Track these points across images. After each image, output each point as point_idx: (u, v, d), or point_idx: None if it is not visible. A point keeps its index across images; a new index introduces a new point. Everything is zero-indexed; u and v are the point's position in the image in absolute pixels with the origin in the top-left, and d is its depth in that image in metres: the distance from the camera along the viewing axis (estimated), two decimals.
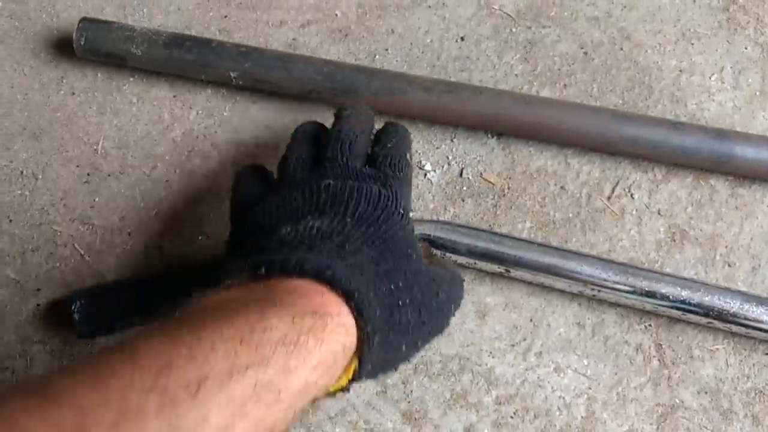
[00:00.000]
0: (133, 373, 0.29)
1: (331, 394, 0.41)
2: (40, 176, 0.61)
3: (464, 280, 0.51)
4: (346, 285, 0.38)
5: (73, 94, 0.63)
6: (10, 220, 0.60)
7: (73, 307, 0.54)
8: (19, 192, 0.61)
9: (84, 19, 0.61)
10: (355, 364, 0.40)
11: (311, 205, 0.46)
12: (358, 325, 0.39)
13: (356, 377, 0.41)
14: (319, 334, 0.36)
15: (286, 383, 0.33)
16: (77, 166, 0.61)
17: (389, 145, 0.52)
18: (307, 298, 0.37)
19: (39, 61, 0.64)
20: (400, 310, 0.43)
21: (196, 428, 0.29)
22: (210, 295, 0.38)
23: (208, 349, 0.32)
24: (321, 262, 0.39)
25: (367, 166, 0.50)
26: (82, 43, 0.61)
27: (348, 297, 0.38)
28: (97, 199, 0.61)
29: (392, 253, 0.44)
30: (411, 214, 0.48)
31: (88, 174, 0.61)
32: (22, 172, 0.61)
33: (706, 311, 0.54)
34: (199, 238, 0.60)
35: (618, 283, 0.55)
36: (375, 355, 0.41)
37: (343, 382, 0.40)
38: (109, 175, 0.61)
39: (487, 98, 0.59)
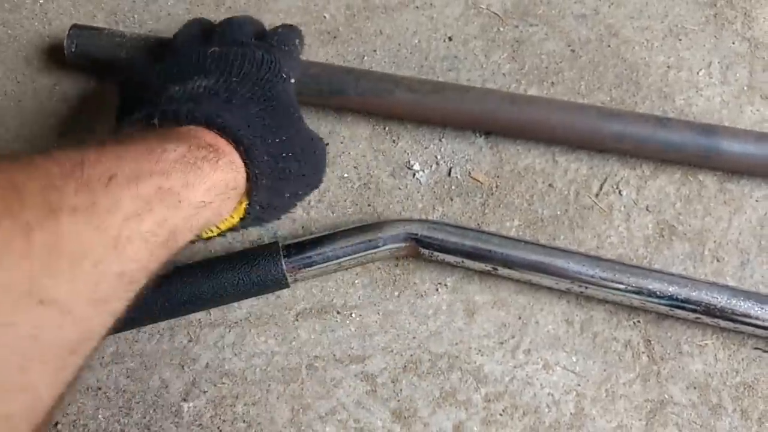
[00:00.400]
0: (51, 164, 0.33)
1: (223, 233, 0.46)
2: None
3: (327, 144, 0.58)
4: (236, 131, 0.43)
5: (66, 100, 0.64)
6: None
7: None
8: None
9: (74, 26, 0.62)
10: (245, 204, 0.45)
11: (197, 68, 0.50)
12: (247, 167, 0.43)
13: (245, 217, 0.46)
14: (213, 164, 0.40)
15: (185, 194, 0.38)
16: None
17: (279, 30, 0.57)
18: (201, 136, 0.42)
19: (32, 69, 0.65)
20: (285, 160, 0.47)
21: (110, 208, 0.33)
22: (110, 134, 0.43)
23: (114, 157, 0.35)
24: (211, 111, 0.43)
25: (253, 39, 0.55)
26: (72, 50, 0.61)
27: (237, 142, 0.43)
28: None
29: (276, 110, 0.48)
30: (293, 81, 0.53)
31: None
32: None
33: (694, 307, 0.54)
34: None
35: (605, 279, 0.55)
36: (262, 198, 0.45)
37: (234, 220, 0.45)
38: None
39: (474, 97, 0.59)
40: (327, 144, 0.56)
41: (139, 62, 0.57)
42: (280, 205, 0.50)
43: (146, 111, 0.44)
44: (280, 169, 0.47)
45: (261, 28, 0.57)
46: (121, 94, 0.53)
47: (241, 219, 0.46)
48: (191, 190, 0.38)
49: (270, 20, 0.66)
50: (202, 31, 0.56)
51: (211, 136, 0.42)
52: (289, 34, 0.57)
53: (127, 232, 0.34)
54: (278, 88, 0.50)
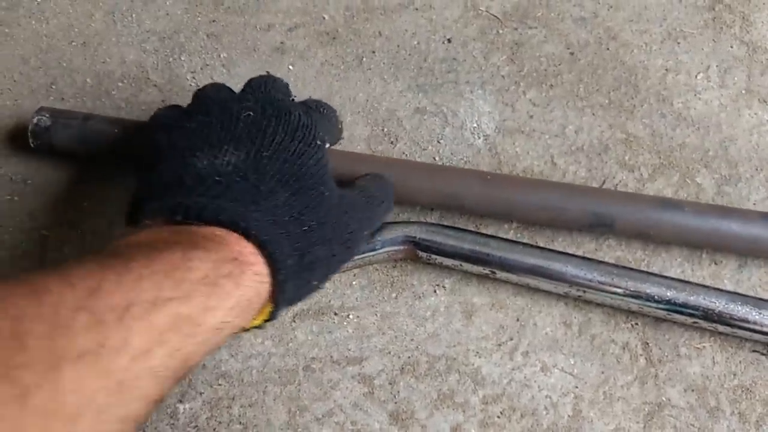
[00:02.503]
0: (65, 291, 0.31)
1: (246, 330, 0.44)
2: (29, 181, 0.61)
3: (391, 186, 0.55)
4: (260, 237, 0.41)
5: (63, 99, 0.64)
6: (0, 225, 0.60)
7: None
8: (8, 197, 0.61)
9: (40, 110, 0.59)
10: (269, 307, 0.43)
11: (227, 134, 0.46)
12: (272, 273, 0.41)
13: (270, 318, 0.44)
14: (237, 279, 0.38)
15: (203, 319, 0.36)
16: (66, 170, 0.62)
17: (316, 100, 0.55)
18: (226, 245, 0.39)
19: (28, 68, 0.65)
20: (312, 249, 0.45)
21: (119, 348, 0.31)
22: (134, 235, 0.40)
23: (135, 278, 0.34)
24: (236, 212, 0.41)
25: (290, 99, 0.52)
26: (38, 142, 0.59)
27: (263, 247, 0.41)
28: (85, 204, 0.61)
29: (306, 191, 0.46)
30: (327, 146, 0.50)
31: (77, 179, 0.61)
32: (11, 178, 0.62)
33: (692, 311, 0.54)
34: None
35: (603, 283, 0.55)
36: (288, 297, 0.43)
37: (258, 322, 0.43)
38: (97, 180, 0.61)
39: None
40: (392, 186, 0.54)
41: (166, 111, 0.52)
42: (307, 291, 0.47)
43: (171, 202, 0.41)
44: (308, 263, 0.44)
45: (290, 90, 0.54)
46: (147, 147, 0.49)
47: (265, 321, 0.44)
48: (211, 314, 0.36)
49: (269, 21, 0.66)
50: (230, 90, 0.52)
51: (236, 243, 0.40)
52: (327, 105, 0.54)
53: (135, 371, 0.32)
54: (311, 161, 0.47)
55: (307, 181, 0.46)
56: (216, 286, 0.37)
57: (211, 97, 0.50)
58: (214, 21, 0.66)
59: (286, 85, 0.53)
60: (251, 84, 0.52)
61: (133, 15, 0.66)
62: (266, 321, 0.44)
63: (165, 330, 0.34)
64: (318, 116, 0.51)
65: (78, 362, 0.30)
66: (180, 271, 0.36)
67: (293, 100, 0.53)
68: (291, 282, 0.43)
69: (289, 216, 0.44)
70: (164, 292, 0.34)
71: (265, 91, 0.51)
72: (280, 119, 0.47)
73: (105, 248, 0.38)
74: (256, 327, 0.44)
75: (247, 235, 0.40)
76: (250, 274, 0.40)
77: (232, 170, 0.44)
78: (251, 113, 0.47)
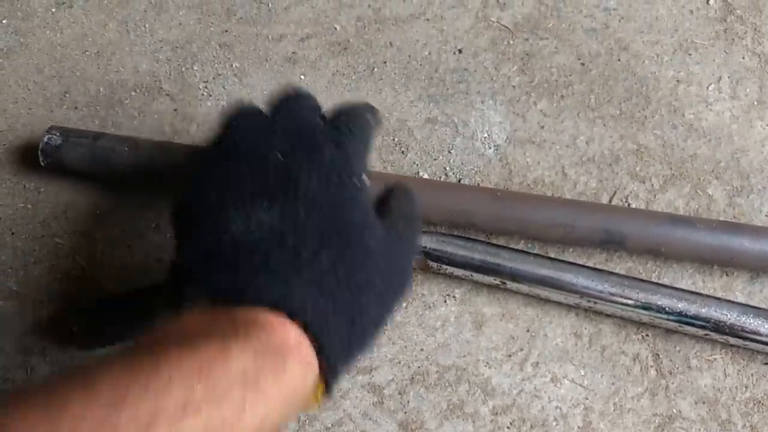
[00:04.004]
0: (86, 407, 0.29)
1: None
2: (42, 189, 0.62)
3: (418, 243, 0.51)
4: (306, 317, 0.37)
5: (76, 108, 0.64)
6: (13, 233, 0.61)
7: (72, 320, 0.55)
8: (22, 205, 0.62)
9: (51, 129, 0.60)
10: (321, 388, 0.39)
11: (259, 185, 0.43)
12: (319, 352, 0.38)
13: (323, 397, 0.40)
14: (280, 371, 0.35)
15: (239, 420, 0.33)
16: (79, 179, 0.62)
17: (348, 109, 0.49)
18: (268, 331, 0.36)
19: (42, 77, 0.65)
20: (362, 311, 0.41)
21: None
22: (170, 322, 0.37)
23: (165, 382, 0.31)
24: (278, 291, 0.38)
25: (320, 119, 0.47)
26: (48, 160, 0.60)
27: (308, 328, 0.37)
28: (98, 212, 0.61)
29: (351, 247, 0.42)
30: (366, 179, 0.45)
31: (90, 187, 0.62)
32: (25, 186, 0.62)
33: (703, 323, 0.54)
34: None
35: (614, 294, 0.55)
36: (339, 374, 0.40)
37: (311, 405, 0.40)
38: (110, 189, 0.62)
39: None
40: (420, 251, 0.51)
41: (193, 163, 0.49)
42: (359, 355, 0.43)
43: (209, 285, 0.39)
44: (360, 328, 0.41)
45: (318, 105, 0.50)
46: (177, 211, 0.46)
47: (317, 402, 0.41)
48: (248, 414, 0.33)
49: (281, 31, 0.66)
50: (258, 117, 0.48)
51: (279, 327, 0.37)
52: (357, 111, 0.49)
53: None
54: (351, 206, 0.43)
55: (350, 233, 0.42)
56: (256, 382, 0.34)
57: (241, 132, 0.46)
58: (226, 31, 0.67)
59: (313, 99, 0.49)
60: (278, 108, 0.48)
61: (146, 25, 0.67)
62: (319, 402, 0.40)
63: None
64: (351, 142, 0.46)
65: None
66: (216, 366, 0.33)
67: (322, 116, 0.48)
68: (342, 359, 0.40)
69: (336, 281, 0.40)
70: (196, 395, 0.31)
71: (292, 114, 0.47)
72: (312, 162, 0.44)
73: (140, 339, 0.35)
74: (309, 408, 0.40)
75: (291, 316, 0.37)
76: (295, 363, 0.36)
77: (269, 232, 0.41)
78: (280, 155, 0.44)
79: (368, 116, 0.49)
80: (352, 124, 0.47)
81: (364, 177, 0.45)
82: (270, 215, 0.41)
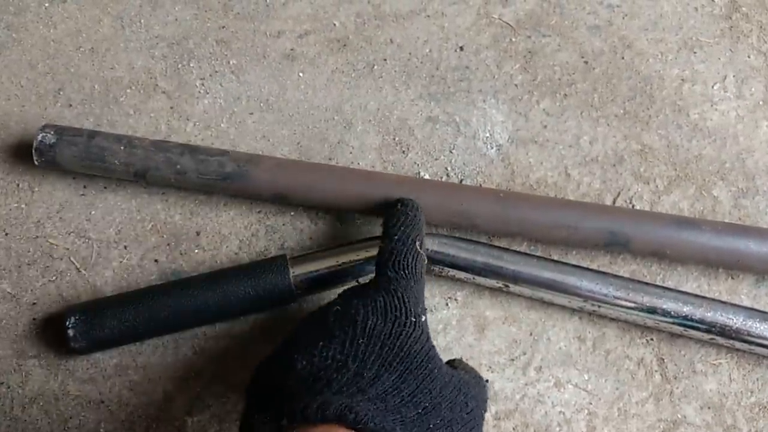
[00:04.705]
0: None
1: None
2: (36, 189, 0.61)
3: (487, 381, 0.51)
4: (371, 427, 0.38)
5: (71, 105, 0.63)
6: (6, 234, 0.60)
7: (68, 323, 0.54)
8: (15, 205, 0.60)
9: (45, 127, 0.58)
10: None
11: (320, 330, 0.46)
12: None
13: None
14: None
15: None
16: (73, 178, 0.61)
17: (395, 237, 0.50)
18: None
19: (35, 74, 0.64)
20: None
21: None
22: None
23: None
24: (342, 405, 0.39)
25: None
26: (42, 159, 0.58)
27: None
28: (93, 212, 0.60)
29: (413, 372, 0.43)
30: (424, 318, 0.47)
31: (84, 186, 0.61)
32: (18, 185, 0.61)
33: (709, 327, 0.53)
34: (195, 251, 0.59)
35: (618, 298, 0.54)
36: None
37: None
38: (105, 188, 0.61)
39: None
40: (487, 381, 0.51)
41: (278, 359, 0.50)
42: None
43: (275, 413, 0.41)
44: None
45: None
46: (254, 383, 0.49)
47: None
48: None
49: (279, 27, 0.65)
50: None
51: None
52: (406, 239, 0.50)
53: None
54: (410, 339, 0.44)
55: (412, 361, 0.44)
56: None
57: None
58: (223, 27, 0.65)
59: None
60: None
61: (142, 20, 0.66)
62: None
63: None
64: (403, 286, 0.47)
65: None
66: None
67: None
68: None
69: (400, 399, 0.42)
70: None
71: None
72: (367, 305, 0.45)
73: None
74: None
75: (357, 428, 0.38)
76: None
77: (331, 362, 0.43)
78: (338, 307, 0.47)
79: (416, 242, 0.50)
80: (398, 263, 0.48)
81: (423, 317, 0.47)
82: (331, 350, 0.44)
